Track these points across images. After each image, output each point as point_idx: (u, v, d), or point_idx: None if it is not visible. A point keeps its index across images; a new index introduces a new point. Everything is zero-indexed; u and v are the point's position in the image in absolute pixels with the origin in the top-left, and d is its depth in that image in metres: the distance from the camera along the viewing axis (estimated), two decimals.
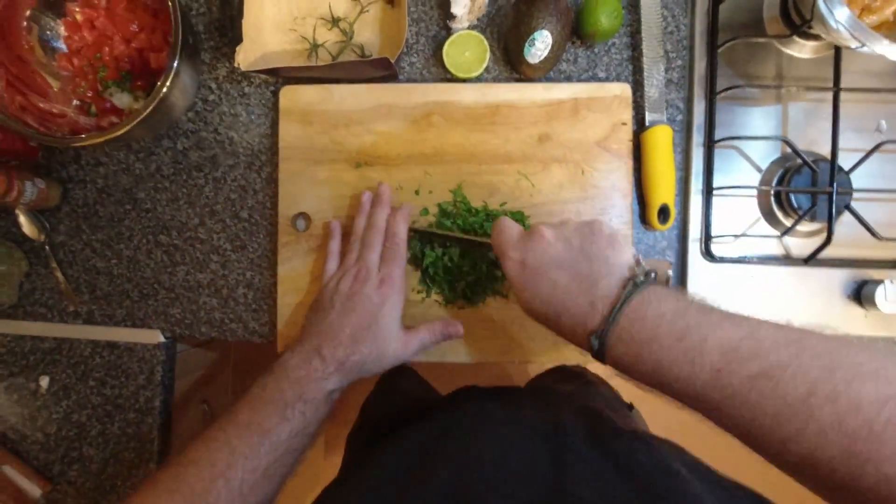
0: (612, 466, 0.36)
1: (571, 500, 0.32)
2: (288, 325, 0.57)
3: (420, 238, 0.56)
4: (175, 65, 0.50)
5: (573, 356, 0.56)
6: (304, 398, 0.44)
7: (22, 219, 0.58)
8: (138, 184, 0.60)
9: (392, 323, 0.49)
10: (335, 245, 0.55)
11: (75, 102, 0.57)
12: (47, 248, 0.59)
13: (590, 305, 0.37)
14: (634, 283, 0.36)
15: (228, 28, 0.59)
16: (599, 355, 0.37)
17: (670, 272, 0.37)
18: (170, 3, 0.49)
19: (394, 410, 0.69)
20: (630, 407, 0.68)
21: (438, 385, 0.84)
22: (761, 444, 0.30)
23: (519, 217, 0.56)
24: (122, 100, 0.57)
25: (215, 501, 0.39)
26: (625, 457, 0.38)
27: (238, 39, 0.52)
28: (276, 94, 0.59)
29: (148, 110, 0.50)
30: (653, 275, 0.37)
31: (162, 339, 0.60)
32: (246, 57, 0.54)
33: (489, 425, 0.45)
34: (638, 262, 0.39)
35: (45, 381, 0.60)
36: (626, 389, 0.76)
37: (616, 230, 0.40)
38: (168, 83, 0.50)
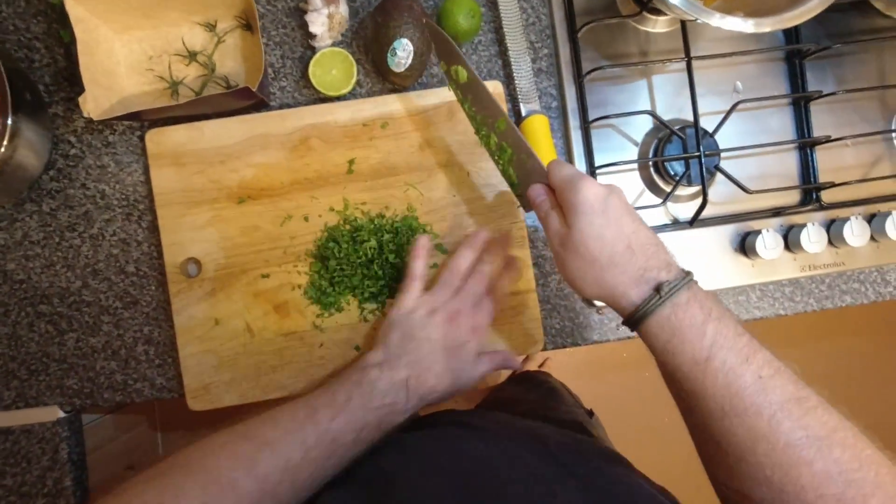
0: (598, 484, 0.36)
1: None
2: (193, 377, 0.54)
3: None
4: (10, 122, 0.46)
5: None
6: (381, 426, 0.43)
7: None
8: (5, 255, 0.55)
9: (471, 365, 0.49)
10: (421, 267, 0.51)
11: None
12: None
13: (657, 247, 0.39)
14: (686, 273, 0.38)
15: (79, 77, 0.56)
16: (643, 312, 0.37)
17: None
18: None
19: None
20: (590, 413, 0.70)
21: None
22: (748, 456, 0.33)
23: (411, 222, 0.55)
24: None
25: (275, 493, 0.38)
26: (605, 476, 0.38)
27: (83, 89, 0.49)
28: (143, 138, 0.56)
29: None
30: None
31: (61, 413, 0.56)
32: (98, 105, 0.51)
33: (476, 440, 0.44)
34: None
35: None
36: (586, 397, 0.78)
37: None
38: (5, 143, 0.46)
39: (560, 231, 0.41)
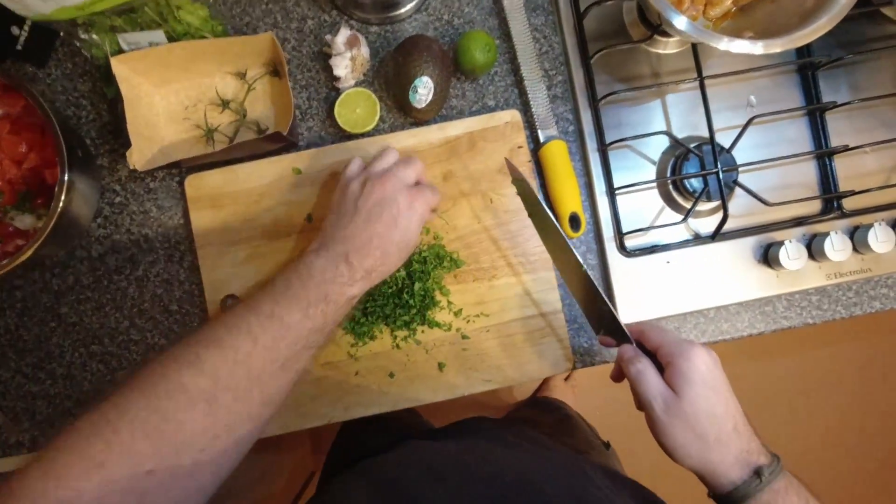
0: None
1: None
2: None
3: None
4: (66, 178, 0.50)
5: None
6: (328, 299, 0.44)
7: None
8: (59, 299, 0.59)
9: (417, 231, 0.49)
10: (359, 160, 0.53)
11: None
12: None
13: (750, 427, 0.41)
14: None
15: (122, 130, 0.60)
16: (742, 494, 0.39)
17: None
18: (47, 122, 0.49)
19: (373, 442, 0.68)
20: (607, 445, 0.70)
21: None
22: None
23: (438, 250, 0.57)
24: (24, 221, 0.56)
25: (236, 387, 0.38)
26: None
27: (129, 143, 0.53)
28: (182, 183, 0.59)
29: (48, 229, 0.50)
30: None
31: None
32: (142, 156, 0.55)
33: (514, 453, 0.46)
34: None
35: None
36: (603, 428, 0.78)
37: None
38: (63, 198, 0.50)
39: (665, 395, 0.41)
